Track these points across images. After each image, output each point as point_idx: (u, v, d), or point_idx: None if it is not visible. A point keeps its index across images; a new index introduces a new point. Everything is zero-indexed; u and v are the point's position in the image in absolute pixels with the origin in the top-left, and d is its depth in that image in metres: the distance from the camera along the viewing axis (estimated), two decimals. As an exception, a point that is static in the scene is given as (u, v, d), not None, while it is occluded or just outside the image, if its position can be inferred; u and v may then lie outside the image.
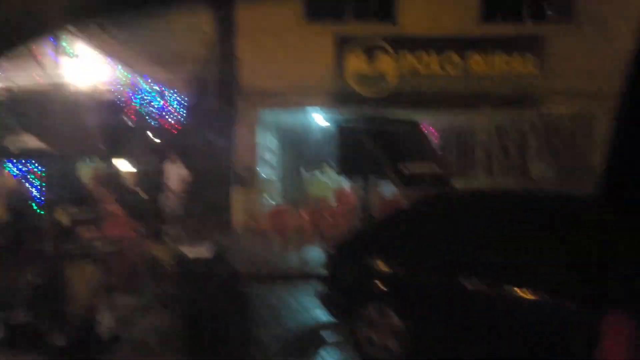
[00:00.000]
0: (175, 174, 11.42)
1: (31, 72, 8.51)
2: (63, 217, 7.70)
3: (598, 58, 10.86)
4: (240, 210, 11.92)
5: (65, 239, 7.16)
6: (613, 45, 9.71)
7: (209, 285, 6.47)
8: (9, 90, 8.75)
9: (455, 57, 12.17)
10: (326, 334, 5.88)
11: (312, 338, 5.73)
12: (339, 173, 7.10)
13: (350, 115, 6.91)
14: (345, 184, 12.65)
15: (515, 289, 4.05)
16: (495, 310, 4.15)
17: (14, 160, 9.80)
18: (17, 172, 9.68)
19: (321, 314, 6.11)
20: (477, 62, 12.17)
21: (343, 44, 12.25)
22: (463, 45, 12.16)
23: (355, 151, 6.31)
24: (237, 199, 11.93)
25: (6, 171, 9.60)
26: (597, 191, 1.05)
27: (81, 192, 9.16)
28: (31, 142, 9.74)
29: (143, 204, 10.95)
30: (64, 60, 8.02)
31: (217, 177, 11.73)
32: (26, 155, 9.71)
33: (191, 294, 6.36)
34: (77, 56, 7.86)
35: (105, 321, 5.66)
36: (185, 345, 5.38)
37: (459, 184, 8.82)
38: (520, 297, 4.02)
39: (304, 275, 8.19)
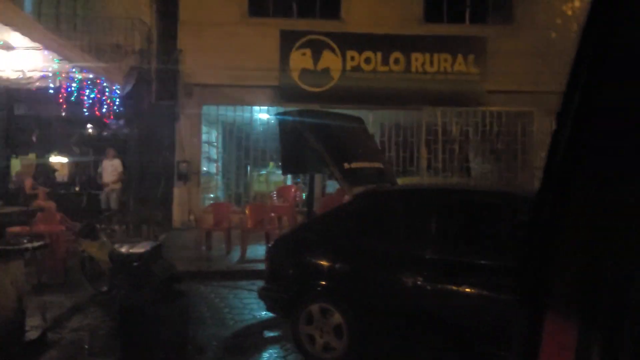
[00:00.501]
0: (112, 167, 11.02)
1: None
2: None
3: (537, 58, 11.33)
4: (180, 206, 11.66)
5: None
6: (550, 47, 10.14)
7: (145, 283, 6.27)
8: None
9: (398, 55, 12.36)
10: (268, 332, 5.82)
11: (253, 336, 5.66)
12: (281, 169, 7.03)
13: (294, 110, 6.86)
14: (288, 180, 12.61)
15: (456, 285, 4.13)
16: (436, 307, 4.22)
17: None
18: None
19: (262, 312, 6.06)
20: (419, 60, 12.41)
21: (287, 40, 12.19)
22: (406, 43, 12.37)
23: (298, 147, 6.27)
24: (178, 195, 11.66)
25: None
26: (538, 189, 1.06)
27: (11, 187, 8.69)
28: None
29: (77, 199, 10.52)
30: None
31: (157, 171, 11.42)
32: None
33: (126, 292, 6.15)
34: (10, 45, 7.42)
35: (34, 322, 5.39)
36: (120, 346, 5.19)
37: (400, 180, 8.97)
38: (461, 294, 4.10)
39: (245, 273, 8.10)
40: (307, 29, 12.27)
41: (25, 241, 6.13)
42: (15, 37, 7.06)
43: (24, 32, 6.83)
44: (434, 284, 4.24)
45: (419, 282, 4.29)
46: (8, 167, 10.73)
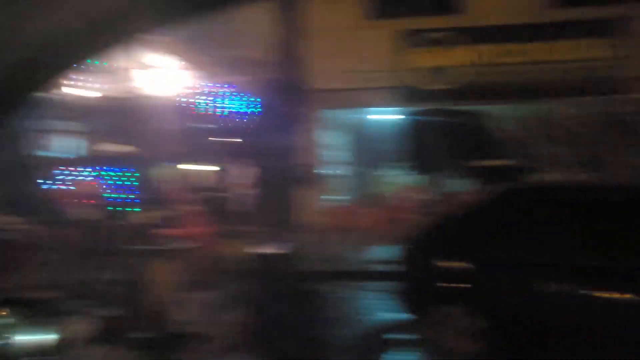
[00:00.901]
0: (245, 174, 11.74)
1: (108, 81, 9.03)
2: (142, 217, 8.13)
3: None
4: (307, 209, 12.07)
5: (145, 238, 7.55)
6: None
7: (278, 283, 6.62)
8: (90, 99, 9.33)
9: (527, 44, 11.71)
10: (396, 334, 5.84)
11: (381, 338, 5.71)
12: (406, 169, 7.02)
13: (415, 110, 6.80)
14: (413, 180, 12.50)
15: (600, 291, 3.83)
16: (573, 312, 3.95)
17: (98, 165, 10.46)
18: (101, 175, 10.31)
19: (390, 313, 6.08)
20: (545, 49, 11.66)
21: (407, 39, 12.10)
22: (529, 32, 11.67)
23: (421, 147, 6.22)
24: (305, 198, 12.08)
25: (91, 175, 10.24)
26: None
27: (158, 193, 9.60)
28: (111, 147, 10.37)
29: (215, 204, 11.34)
30: (137, 68, 8.46)
31: (285, 176, 11.93)
32: (108, 159, 10.35)
33: (261, 292, 6.55)
34: (149, 64, 8.26)
35: (182, 317, 5.93)
36: (256, 342, 5.53)
37: (531, 177, 8.50)
38: (605, 299, 3.80)
39: (371, 274, 8.18)
40: (426, 27, 12.09)
41: (173, 244, 6.79)
42: (154, 56, 7.82)
43: (170, 52, 7.53)
44: (575, 290, 3.97)
45: (558, 288, 4.04)
46: (161, 174, 11.87)
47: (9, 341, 1.04)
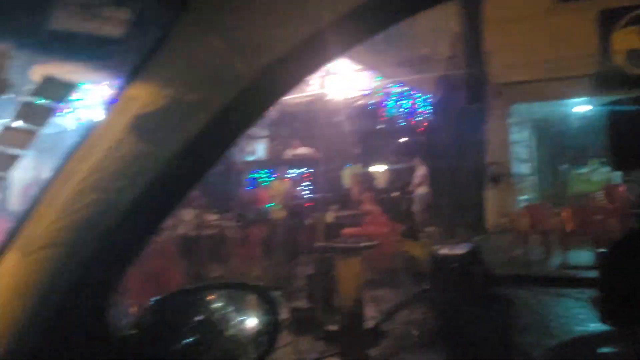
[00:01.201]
0: (426, 173, 11.63)
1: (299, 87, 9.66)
2: (329, 216, 8.54)
3: None
4: (493, 209, 11.52)
5: (332, 235, 7.91)
6: None
7: (464, 284, 6.42)
8: (284, 105, 10.09)
9: None
10: (601, 347, 5.28)
11: (584, 348, 5.21)
12: (608, 166, 6.31)
13: (621, 99, 6.05)
14: (614, 178, 11.19)
15: None
16: None
17: (289, 166, 11.29)
18: (292, 176, 11.10)
19: (594, 324, 5.53)
20: None
21: (608, 20, 10.86)
22: None
23: (624, 140, 5.51)
24: (491, 197, 11.56)
25: (283, 176, 11.07)
26: None
27: (343, 193, 10.00)
28: (301, 150, 11.08)
29: (397, 203, 11.43)
30: (325, 73, 8.90)
31: (469, 175, 11.56)
32: (298, 161, 11.10)
33: (446, 292, 6.41)
34: (335, 68, 8.64)
35: (369, 313, 6.09)
36: (443, 343, 5.44)
37: None
38: None
39: (568, 280, 7.52)
40: (633, 4, 10.72)
41: (359, 242, 7.00)
42: (343, 62, 8.14)
43: (352, 57, 7.80)
44: None
45: None
46: (345, 175, 12.38)
47: (221, 324, 1.12)
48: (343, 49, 0.73)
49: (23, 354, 0.91)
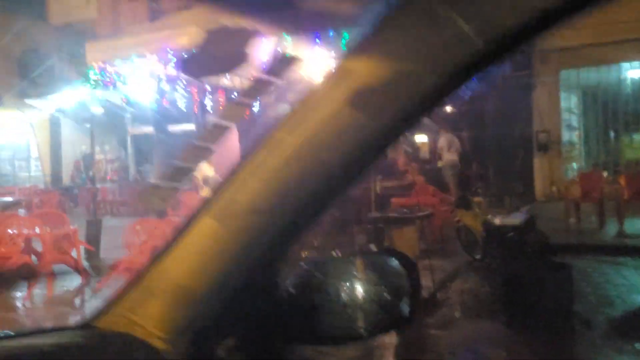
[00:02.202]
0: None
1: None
2: (378, 187, 8.56)
3: None
4: (541, 177, 11.33)
5: (383, 206, 7.95)
6: None
7: (520, 253, 6.39)
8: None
9: None
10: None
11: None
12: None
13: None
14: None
15: None
16: None
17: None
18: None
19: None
20: None
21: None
22: None
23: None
24: (538, 165, 11.35)
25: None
26: None
27: (391, 165, 9.96)
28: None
29: (438, 173, 11.35)
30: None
31: (514, 143, 11.35)
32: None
33: (503, 261, 6.40)
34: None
35: (425, 282, 6.14)
36: (500, 311, 5.46)
37: None
38: None
39: (625, 249, 7.40)
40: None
41: (410, 212, 7.02)
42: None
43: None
44: None
45: None
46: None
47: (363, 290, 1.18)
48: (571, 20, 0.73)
49: (210, 315, 0.99)
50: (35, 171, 18.57)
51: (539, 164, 11.38)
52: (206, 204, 0.97)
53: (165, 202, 7.09)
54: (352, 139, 0.82)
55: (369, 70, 0.80)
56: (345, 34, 7.71)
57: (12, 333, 1.02)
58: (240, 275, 0.98)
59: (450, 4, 0.75)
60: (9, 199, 11.50)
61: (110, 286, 5.65)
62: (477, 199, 7.80)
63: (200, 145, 7.42)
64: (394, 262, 1.28)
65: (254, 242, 0.95)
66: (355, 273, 1.21)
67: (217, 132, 7.72)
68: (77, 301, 6.09)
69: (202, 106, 12.55)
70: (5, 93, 14.81)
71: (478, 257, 7.12)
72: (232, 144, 11.59)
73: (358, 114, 0.80)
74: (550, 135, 11.34)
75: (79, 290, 6.35)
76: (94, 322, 1.02)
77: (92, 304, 5.69)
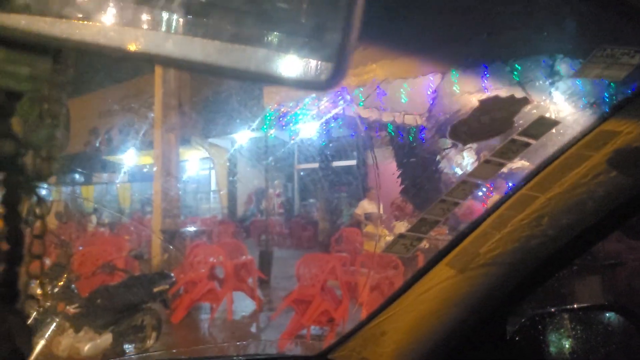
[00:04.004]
0: None
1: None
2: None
3: None
4: None
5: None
6: None
7: None
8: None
9: None
10: None
11: None
12: None
13: None
14: None
15: None
16: None
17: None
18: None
19: None
20: None
21: None
22: None
23: None
24: None
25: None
26: None
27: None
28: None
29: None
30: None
31: None
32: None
33: None
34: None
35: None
36: None
37: None
38: None
39: None
40: None
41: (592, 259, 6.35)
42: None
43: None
44: None
45: None
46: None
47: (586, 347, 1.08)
48: None
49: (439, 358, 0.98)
50: (214, 203, 20.47)
51: None
52: (443, 252, 0.99)
53: (410, 251, 7.30)
54: (607, 201, 0.79)
55: (636, 132, 0.76)
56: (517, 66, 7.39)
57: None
58: (475, 323, 0.97)
59: None
60: (193, 228, 12.78)
61: (282, 315, 5.94)
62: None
63: (449, 201, 7.57)
64: (620, 319, 1.17)
65: (491, 294, 0.94)
66: (579, 329, 1.13)
67: (467, 188, 7.82)
68: (254, 327, 6.49)
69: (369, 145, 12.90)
70: (192, 134, 16.72)
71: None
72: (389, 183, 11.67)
73: (619, 175, 0.77)
74: None
75: (255, 317, 6.75)
76: (329, 354, 1.08)
77: (269, 330, 6.01)
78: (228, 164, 18.61)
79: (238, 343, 5.36)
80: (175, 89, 9.94)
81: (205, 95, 16.42)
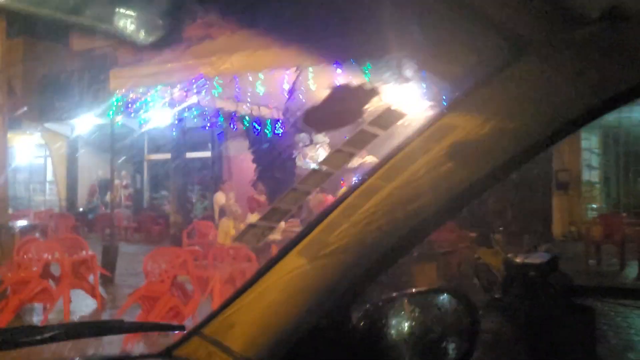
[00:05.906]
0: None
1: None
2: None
3: None
4: (560, 217, 11.22)
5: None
6: None
7: (542, 294, 6.28)
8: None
9: None
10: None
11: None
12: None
13: None
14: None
15: None
16: None
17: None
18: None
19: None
20: None
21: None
22: None
23: None
24: (558, 204, 11.26)
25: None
26: None
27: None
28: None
29: (468, 210, 11.30)
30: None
31: (533, 181, 11.30)
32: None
33: (524, 301, 6.28)
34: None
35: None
36: (520, 352, 5.33)
37: None
38: None
39: (647, 292, 7.23)
40: None
41: (433, 247, 6.96)
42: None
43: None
44: None
45: None
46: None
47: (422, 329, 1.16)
48: None
49: (289, 349, 0.97)
50: (50, 195, 18.72)
51: (557, 202, 11.29)
52: (294, 241, 0.97)
53: (260, 240, 7.25)
54: (445, 191, 0.84)
55: (470, 125, 0.82)
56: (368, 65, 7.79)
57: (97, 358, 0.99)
58: (322, 312, 0.97)
59: (558, 69, 0.77)
60: (25, 222, 11.55)
61: (127, 313, 5.60)
62: (497, 236, 7.73)
63: (300, 190, 7.57)
64: (452, 301, 1.25)
65: (338, 281, 0.94)
66: (417, 311, 1.19)
67: (318, 177, 7.90)
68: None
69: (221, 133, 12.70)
70: (23, 116, 15.03)
71: (497, 296, 6.98)
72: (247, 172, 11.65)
73: (456, 167, 0.82)
74: (570, 174, 11.28)
75: (96, 317, 6.30)
76: (174, 351, 1.01)
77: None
78: (67, 152, 17.09)
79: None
80: (3, 65, 8.85)
81: (40, 74, 14.88)
